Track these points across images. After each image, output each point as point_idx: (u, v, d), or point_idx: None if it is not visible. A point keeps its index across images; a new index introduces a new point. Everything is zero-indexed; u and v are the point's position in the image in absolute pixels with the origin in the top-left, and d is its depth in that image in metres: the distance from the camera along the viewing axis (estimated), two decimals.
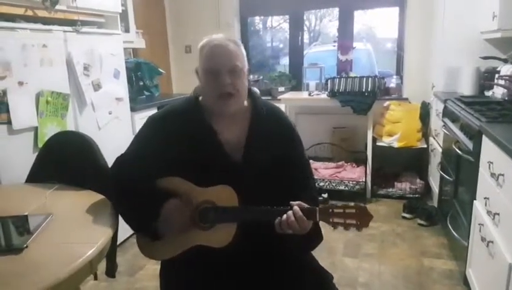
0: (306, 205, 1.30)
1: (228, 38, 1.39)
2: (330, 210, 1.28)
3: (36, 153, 1.98)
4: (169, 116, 1.45)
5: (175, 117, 1.44)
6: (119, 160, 1.46)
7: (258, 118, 1.45)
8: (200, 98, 1.46)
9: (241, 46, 1.41)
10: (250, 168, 1.39)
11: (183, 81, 4.73)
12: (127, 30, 3.48)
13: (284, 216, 1.28)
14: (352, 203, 1.31)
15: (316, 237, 1.39)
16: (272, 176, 1.39)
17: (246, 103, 1.47)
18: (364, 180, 3.72)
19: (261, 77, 4.63)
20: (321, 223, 1.33)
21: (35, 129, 2.29)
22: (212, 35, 1.40)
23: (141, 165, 1.38)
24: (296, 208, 1.28)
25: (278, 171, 1.41)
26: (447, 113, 2.86)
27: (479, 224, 1.99)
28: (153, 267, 2.64)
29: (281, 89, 4.41)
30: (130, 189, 1.35)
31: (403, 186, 3.75)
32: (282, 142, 1.46)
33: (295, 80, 4.54)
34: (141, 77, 3.67)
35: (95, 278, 1.69)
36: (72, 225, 1.37)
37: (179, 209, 1.33)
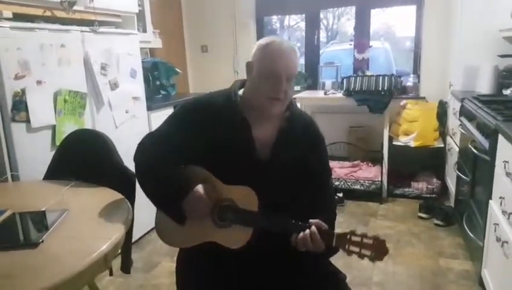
0: (324, 226, 1.30)
1: (291, 46, 1.39)
2: (348, 237, 1.27)
3: (54, 151, 2.04)
4: (206, 107, 1.44)
5: (212, 108, 1.43)
6: (150, 136, 1.47)
7: (290, 120, 1.46)
8: (240, 92, 1.46)
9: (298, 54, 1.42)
10: (276, 166, 1.40)
11: (199, 81, 4.73)
12: (143, 30, 3.52)
13: (301, 234, 1.28)
14: (371, 235, 1.27)
15: (330, 252, 1.38)
16: (295, 179, 1.41)
17: None
18: (380, 179, 3.69)
19: None
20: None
21: (53, 127, 2.34)
22: (274, 37, 1.39)
23: (171, 145, 1.39)
24: (313, 229, 1.28)
25: (300, 175, 1.42)
26: (463, 112, 2.81)
27: (494, 224, 1.96)
28: (168, 264, 2.68)
29: (297, 88, 4.37)
30: (159, 164, 1.36)
31: (420, 186, 3.70)
32: (309, 147, 1.47)
33: (311, 79, 4.52)
34: (158, 77, 3.70)
35: (111, 273, 1.72)
36: (87, 221, 1.40)
37: (205, 195, 1.32)
